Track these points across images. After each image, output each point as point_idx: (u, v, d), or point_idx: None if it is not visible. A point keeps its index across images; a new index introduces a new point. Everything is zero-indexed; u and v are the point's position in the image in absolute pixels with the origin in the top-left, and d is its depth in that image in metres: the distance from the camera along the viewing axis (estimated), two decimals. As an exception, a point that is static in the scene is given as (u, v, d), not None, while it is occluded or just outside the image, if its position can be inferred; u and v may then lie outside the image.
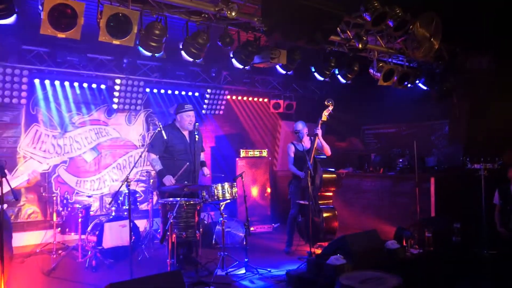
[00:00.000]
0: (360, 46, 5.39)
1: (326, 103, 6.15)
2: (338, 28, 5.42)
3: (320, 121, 6.16)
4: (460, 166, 6.72)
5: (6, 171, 4.11)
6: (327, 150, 6.29)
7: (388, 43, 6.20)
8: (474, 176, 5.89)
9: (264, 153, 8.32)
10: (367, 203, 7.95)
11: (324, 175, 6.16)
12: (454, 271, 4.93)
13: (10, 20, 3.70)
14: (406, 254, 5.22)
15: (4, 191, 3.67)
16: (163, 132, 5.19)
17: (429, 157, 7.79)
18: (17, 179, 4.08)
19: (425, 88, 7.37)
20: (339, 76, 6.48)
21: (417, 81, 7.14)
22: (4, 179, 3.64)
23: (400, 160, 7.78)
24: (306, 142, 6.34)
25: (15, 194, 3.74)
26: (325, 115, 6.16)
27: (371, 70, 6.43)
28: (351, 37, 5.53)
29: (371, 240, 5.07)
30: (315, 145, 6.12)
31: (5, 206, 4.01)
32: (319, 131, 6.13)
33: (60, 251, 6.20)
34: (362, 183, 8.15)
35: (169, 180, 5.33)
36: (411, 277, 4.41)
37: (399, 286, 3.42)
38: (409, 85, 6.89)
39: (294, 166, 6.29)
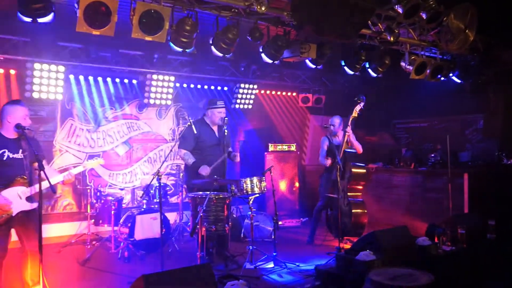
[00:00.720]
0: (391, 39, 5.29)
1: (356, 100, 6.10)
2: (369, 21, 5.33)
3: (350, 118, 6.14)
4: (496, 161, 6.53)
5: (44, 162, 4.29)
6: (358, 148, 6.31)
7: (421, 36, 6.06)
8: (510, 172, 5.71)
9: (293, 147, 8.31)
10: (397, 199, 7.83)
11: (353, 169, 6.16)
12: (488, 269, 4.80)
13: (48, 18, 3.81)
14: (438, 251, 5.10)
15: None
16: (193, 126, 5.26)
17: (462, 152, 7.60)
18: (53, 179, 4.20)
19: (459, 81, 7.17)
20: (369, 70, 6.38)
21: (451, 74, 6.96)
22: (42, 173, 3.77)
23: (432, 155, 7.61)
24: (340, 137, 6.35)
25: (53, 187, 3.87)
26: (356, 111, 6.12)
27: (402, 63, 6.31)
28: (383, 30, 5.43)
29: (401, 236, 4.99)
30: (345, 140, 6.10)
31: (35, 204, 4.17)
32: (349, 129, 6.11)
33: (94, 242, 6.39)
34: (392, 178, 8.02)
35: (205, 170, 5.33)
36: (443, 275, 4.33)
37: (431, 283, 3.35)
38: (442, 78, 6.73)
39: (325, 159, 6.31)
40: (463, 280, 4.67)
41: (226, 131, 5.46)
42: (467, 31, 5.67)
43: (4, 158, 3.93)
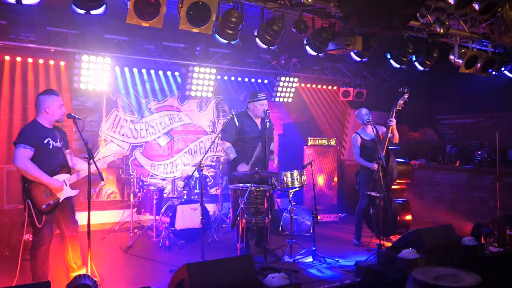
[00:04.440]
0: (441, 31, 5.08)
1: (401, 90, 5.90)
2: (417, 13, 5.16)
3: (394, 110, 5.94)
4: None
5: (69, 152, 4.48)
6: (397, 138, 6.12)
7: (472, 28, 5.80)
8: None
9: (332, 141, 8.20)
10: (440, 197, 7.60)
11: (399, 167, 5.98)
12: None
13: (100, 10, 3.92)
14: (485, 252, 4.92)
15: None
16: (235, 119, 5.27)
17: (511, 150, 7.27)
18: (83, 167, 4.36)
19: (511, 75, 6.84)
20: (416, 63, 6.18)
21: (503, 68, 6.65)
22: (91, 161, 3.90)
23: (479, 152, 7.33)
24: (369, 130, 6.11)
25: (101, 175, 3.99)
26: (400, 103, 5.91)
27: (451, 57, 6.07)
28: (432, 21, 5.23)
29: (446, 235, 4.85)
30: (388, 135, 5.93)
31: (77, 191, 4.34)
32: (393, 122, 5.92)
33: (136, 230, 6.56)
34: (435, 175, 7.79)
35: (243, 168, 5.42)
36: (490, 277, 4.17)
37: (477, 284, 3.23)
38: (493, 73, 6.44)
39: (361, 157, 6.11)
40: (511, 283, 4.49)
41: (268, 123, 5.44)
42: (523, 23, 5.39)
43: (51, 147, 4.10)
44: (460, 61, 5.98)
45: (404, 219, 6.05)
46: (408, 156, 6.87)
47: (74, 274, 3.96)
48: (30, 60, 6.50)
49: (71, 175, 4.28)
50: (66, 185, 4.19)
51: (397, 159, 6.04)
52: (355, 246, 6.14)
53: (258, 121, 5.67)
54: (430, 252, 4.36)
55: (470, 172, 7.22)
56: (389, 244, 5.73)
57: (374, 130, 5.96)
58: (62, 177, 4.18)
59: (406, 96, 5.88)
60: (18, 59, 6.42)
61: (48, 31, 6.22)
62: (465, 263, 4.38)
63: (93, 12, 3.87)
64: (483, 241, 5.05)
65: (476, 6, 5.04)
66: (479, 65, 6.11)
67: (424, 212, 7.56)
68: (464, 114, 8.67)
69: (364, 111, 6.16)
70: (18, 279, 4.19)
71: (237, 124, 5.34)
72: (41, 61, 6.59)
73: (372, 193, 5.86)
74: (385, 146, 5.91)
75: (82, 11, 3.84)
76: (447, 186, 7.53)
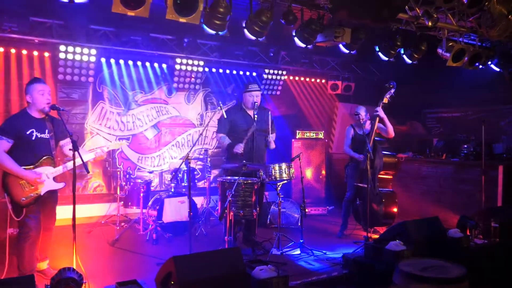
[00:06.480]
0: (429, 24, 5.08)
1: (388, 85, 5.98)
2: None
3: (381, 104, 6.04)
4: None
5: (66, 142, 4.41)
6: (391, 131, 6.17)
7: (460, 21, 5.82)
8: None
9: (321, 135, 8.22)
10: (427, 190, 7.66)
11: (385, 158, 6.07)
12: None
13: (85, -1, 3.84)
14: (470, 244, 4.99)
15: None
16: (223, 111, 5.26)
17: (497, 144, 7.35)
18: (84, 156, 4.27)
19: (497, 69, 6.91)
20: (404, 56, 6.20)
21: (489, 62, 6.69)
22: (77, 154, 3.82)
23: (465, 146, 7.39)
24: (368, 126, 6.25)
25: (86, 167, 3.93)
26: (386, 97, 6.02)
27: (439, 50, 6.10)
28: (420, 14, 5.23)
29: (432, 227, 4.91)
30: (375, 127, 6.00)
31: (63, 184, 4.29)
32: (381, 112, 5.99)
33: (123, 224, 6.50)
34: (422, 168, 7.84)
35: (238, 147, 5.35)
36: (475, 268, 4.21)
37: (463, 276, 3.26)
38: (480, 66, 6.48)
39: (350, 149, 6.23)
40: (496, 275, 4.55)
41: (255, 116, 5.41)
42: (510, 16, 5.40)
43: (33, 138, 4.02)
44: (448, 55, 6.00)
45: (390, 210, 6.13)
46: (395, 149, 6.95)
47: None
48: (13, 50, 6.35)
49: (55, 167, 4.21)
50: (49, 178, 4.13)
51: (384, 151, 6.12)
52: (341, 239, 6.17)
53: (251, 113, 5.60)
54: (417, 244, 4.41)
55: (456, 165, 7.28)
56: (376, 237, 5.79)
57: (369, 126, 6.15)
58: (44, 170, 4.11)
59: (392, 91, 5.97)
60: (1, 49, 6.27)
61: (32, 21, 6.08)
62: (451, 254, 4.42)
63: (77, 0, 3.78)
64: (468, 233, 5.13)
65: (464, 0, 5.07)
66: (466, 58, 6.15)
67: (411, 204, 7.61)
68: (451, 108, 8.74)
69: (362, 110, 6.23)
70: (6, 273, 4.16)
71: (225, 117, 5.33)
72: (24, 51, 6.44)
73: (360, 185, 5.94)
74: (372, 138, 5.97)
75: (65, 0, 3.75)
76: (434, 179, 7.59)
